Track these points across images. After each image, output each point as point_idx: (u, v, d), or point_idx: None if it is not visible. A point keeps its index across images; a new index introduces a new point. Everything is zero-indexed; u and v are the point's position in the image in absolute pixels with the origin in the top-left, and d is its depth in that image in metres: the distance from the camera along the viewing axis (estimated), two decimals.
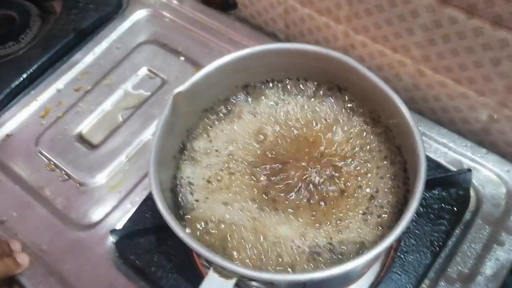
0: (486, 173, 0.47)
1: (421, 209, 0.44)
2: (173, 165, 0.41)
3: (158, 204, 0.34)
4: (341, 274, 0.32)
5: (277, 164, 0.40)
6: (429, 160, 0.47)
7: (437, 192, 0.45)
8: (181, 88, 0.40)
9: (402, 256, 0.42)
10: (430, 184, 0.44)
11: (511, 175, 0.46)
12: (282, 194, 0.38)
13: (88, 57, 0.60)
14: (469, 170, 0.44)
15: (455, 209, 0.44)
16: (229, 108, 0.44)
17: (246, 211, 0.38)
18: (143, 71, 0.59)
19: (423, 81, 0.49)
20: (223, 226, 0.37)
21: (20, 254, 0.46)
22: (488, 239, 0.44)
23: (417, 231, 0.43)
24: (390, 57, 0.49)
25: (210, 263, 0.33)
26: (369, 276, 0.43)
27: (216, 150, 0.42)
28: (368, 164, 0.39)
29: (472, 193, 0.46)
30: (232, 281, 0.32)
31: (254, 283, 0.33)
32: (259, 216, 0.37)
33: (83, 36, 0.61)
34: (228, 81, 0.43)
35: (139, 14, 0.63)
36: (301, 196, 0.38)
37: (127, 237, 0.45)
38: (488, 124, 0.48)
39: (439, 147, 0.49)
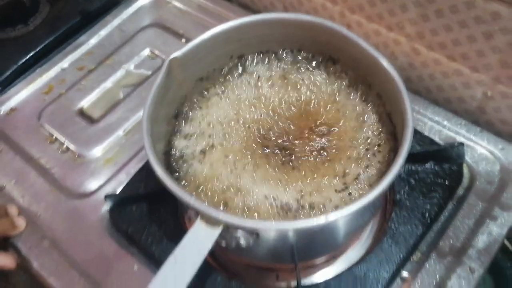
0: (480, 150, 0.47)
1: (413, 182, 0.44)
2: (167, 130, 0.42)
3: (149, 155, 0.34)
4: (329, 224, 0.32)
5: (272, 131, 0.41)
6: (423, 136, 0.47)
7: (430, 167, 0.45)
8: (176, 54, 0.41)
9: (393, 227, 0.42)
10: (423, 158, 0.45)
11: (505, 152, 0.46)
12: (278, 153, 0.39)
13: (93, 39, 0.62)
14: (462, 144, 0.44)
15: (448, 183, 0.44)
16: (224, 78, 0.45)
17: (241, 171, 0.38)
18: (145, 52, 0.60)
19: (418, 60, 0.50)
20: (216, 188, 0.38)
21: (17, 217, 0.46)
22: (481, 214, 0.43)
23: (408, 204, 0.43)
24: (385, 36, 0.50)
25: (197, 214, 0.33)
26: (360, 248, 0.43)
27: (211, 118, 0.42)
28: (361, 130, 0.39)
29: (466, 170, 0.46)
30: (218, 230, 0.32)
31: (239, 234, 0.33)
32: (254, 174, 0.38)
33: (89, 19, 0.63)
34: (222, 50, 0.44)
35: (142, 1, 0.65)
36: (296, 156, 0.38)
37: (120, 205, 0.46)
38: (483, 102, 0.48)
39: (434, 125, 0.49)
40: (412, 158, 0.45)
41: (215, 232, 0.32)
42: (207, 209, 0.32)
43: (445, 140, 0.47)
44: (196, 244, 0.32)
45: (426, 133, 0.48)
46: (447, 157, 0.44)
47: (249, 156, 0.39)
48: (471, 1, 0.41)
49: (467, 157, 0.46)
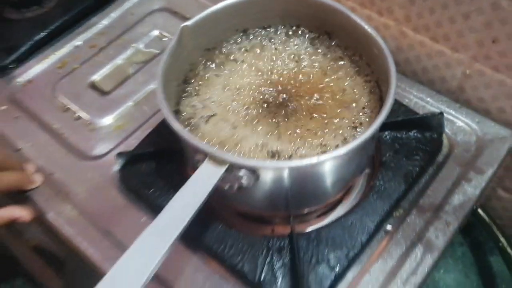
0: (459, 123, 0.52)
1: (398, 147, 0.49)
2: (177, 92, 0.46)
3: (159, 98, 0.39)
4: (320, 168, 0.36)
5: (272, 95, 0.45)
6: (408, 109, 0.52)
7: (413, 134, 0.49)
8: (188, 22, 0.46)
9: (378, 184, 0.46)
10: (407, 125, 0.49)
11: (481, 125, 0.51)
12: (275, 111, 0.43)
13: (104, 20, 0.66)
14: (441, 113, 0.49)
15: (429, 149, 0.49)
16: (229, 49, 0.49)
17: (242, 127, 0.43)
18: (155, 33, 0.65)
19: (405, 42, 0.55)
20: (218, 140, 0.42)
21: (33, 173, 0.50)
22: (457, 177, 0.48)
23: (393, 165, 0.47)
24: (377, 20, 0.55)
25: (204, 157, 0.37)
26: (349, 205, 0.48)
27: (216, 84, 0.47)
28: (353, 93, 0.44)
29: (445, 140, 0.51)
30: (223, 168, 0.36)
31: (241, 174, 0.37)
32: (253, 128, 0.42)
33: (102, 3, 0.67)
34: (229, 23, 0.48)
35: None
36: (292, 113, 0.43)
37: (130, 163, 0.50)
38: (462, 81, 0.53)
39: (418, 101, 0.54)
40: (397, 125, 0.49)
41: (221, 170, 0.36)
42: (214, 150, 0.37)
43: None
44: (203, 180, 0.36)
45: (411, 107, 0.53)
46: (429, 125, 0.49)
47: (250, 114, 0.44)
48: None
49: (447, 129, 0.51)
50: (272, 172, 0.37)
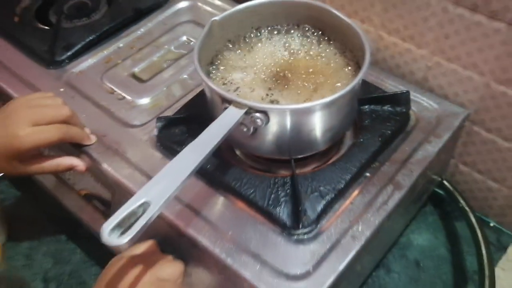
0: (424, 104, 0.66)
1: (375, 116, 0.63)
2: (206, 70, 0.61)
3: (195, 56, 0.53)
4: (317, 108, 0.50)
5: (278, 72, 0.60)
6: (383, 91, 0.66)
7: (386, 108, 0.63)
8: (216, 17, 0.61)
9: (360, 141, 0.60)
10: (381, 101, 0.64)
11: (440, 105, 0.65)
12: (282, 80, 0.58)
13: (142, 29, 0.82)
14: (408, 91, 0.63)
15: (399, 119, 0.63)
16: (245, 41, 0.64)
17: (255, 91, 0.57)
18: (183, 38, 0.80)
19: (382, 44, 0.70)
20: None
21: (90, 134, 0.64)
22: (421, 140, 0.62)
23: (370, 128, 0.61)
24: (360, 27, 0.70)
25: (229, 103, 0.51)
26: (337, 156, 0.61)
27: (235, 66, 0.61)
28: (340, 69, 0.59)
29: (413, 116, 0.65)
30: (243, 110, 0.50)
31: (256, 116, 0.51)
32: (264, 91, 0.57)
33: (140, 15, 0.83)
34: (246, 21, 0.63)
35: (182, 4, 0.86)
36: (294, 83, 0.58)
37: (166, 128, 0.64)
38: (426, 72, 0.68)
39: (392, 88, 0.68)
40: (374, 100, 0.64)
41: (242, 112, 0.50)
42: (237, 98, 0.51)
43: None
44: (229, 117, 0.50)
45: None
46: (398, 101, 0.63)
47: (263, 83, 0.58)
48: None
49: (415, 108, 0.65)
50: (278, 114, 0.51)
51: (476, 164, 0.71)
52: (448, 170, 0.75)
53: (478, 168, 0.71)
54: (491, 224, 0.74)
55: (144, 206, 0.42)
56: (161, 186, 0.43)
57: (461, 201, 0.69)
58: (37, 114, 0.58)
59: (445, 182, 0.72)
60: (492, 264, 0.61)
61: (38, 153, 0.61)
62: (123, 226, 0.41)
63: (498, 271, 0.68)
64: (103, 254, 0.55)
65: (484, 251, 0.62)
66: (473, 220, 0.66)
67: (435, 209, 0.76)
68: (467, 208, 0.68)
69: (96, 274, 0.70)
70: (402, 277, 0.69)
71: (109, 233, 0.40)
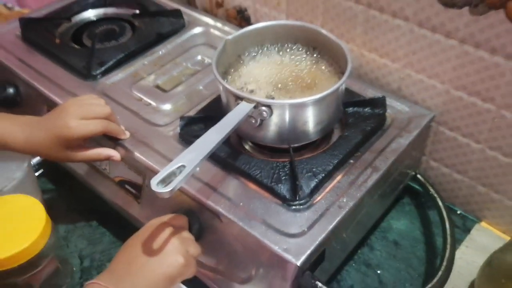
0: (398, 108, 0.81)
1: (357, 116, 0.77)
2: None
3: (213, 67, 0.68)
4: (310, 103, 0.65)
5: (279, 81, 0.75)
6: (363, 97, 0.81)
7: (367, 110, 0.78)
8: (229, 37, 0.76)
9: (346, 135, 0.74)
10: (363, 104, 0.78)
11: (412, 108, 0.80)
12: (283, 86, 0.73)
13: (163, 50, 0.97)
14: (384, 97, 0.78)
15: (376, 119, 0.77)
16: (252, 55, 0.79)
17: (263, 93, 0.72)
18: (198, 57, 0.95)
19: (364, 60, 0.85)
20: None
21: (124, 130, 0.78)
22: (395, 135, 0.76)
23: (353, 125, 0.75)
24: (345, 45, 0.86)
25: (241, 99, 0.66)
26: (327, 148, 0.75)
27: (243, 75, 0.76)
28: (329, 79, 0.74)
29: (389, 117, 0.79)
30: (253, 105, 0.65)
31: (262, 109, 0.65)
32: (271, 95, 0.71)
33: (161, 39, 0.98)
34: (253, 40, 0.79)
35: (197, 30, 1.01)
36: (292, 89, 0.72)
37: (188, 124, 0.78)
38: (400, 83, 0.83)
39: (371, 95, 0.83)
40: (357, 103, 0.78)
41: (251, 106, 0.65)
42: (247, 95, 0.65)
43: None
44: (241, 110, 0.64)
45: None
46: (376, 104, 0.78)
47: (265, 89, 0.73)
48: (385, 19, 0.78)
49: (390, 111, 0.80)
50: (279, 107, 0.65)
51: (443, 159, 0.85)
52: (421, 166, 0.89)
53: (445, 162, 0.85)
54: (458, 212, 0.88)
55: (180, 168, 0.56)
56: (192, 154, 0.57)
57: (431, 190, 0.83)
58: (84, 110, 0.72)
59: (418, 176, 0.86)
60: (454, 238, 0.74)
61: (83, 143, 0.74)
62: (165, 182, 0.54)
63: (462, 248, 0.81)
64: (128, 236, 0.67)
65: (448, 228, 0.76)
66: (441, 204, 0.80)
67: (412, 200, 0.90)
68: (436, 195, 0.82)
69: None
70: (383, 253, 0.82)
71: (156, 185, 0.53)
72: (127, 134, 0.78)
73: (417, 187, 0.88)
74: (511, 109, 0.71)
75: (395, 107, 0.81)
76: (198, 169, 0.59)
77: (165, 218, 0.66)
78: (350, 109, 0.78)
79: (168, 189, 0.53)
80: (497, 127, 0.74)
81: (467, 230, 0.84)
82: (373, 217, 0.81)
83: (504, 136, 0.74)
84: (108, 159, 0.76)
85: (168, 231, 0.63)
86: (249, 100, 0.65)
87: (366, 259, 0.81)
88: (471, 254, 0.80)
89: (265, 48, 0.80)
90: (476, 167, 0.80)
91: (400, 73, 0.82)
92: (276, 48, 0.80)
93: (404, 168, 0.80)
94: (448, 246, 0.72)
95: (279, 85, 0.74)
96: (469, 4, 0.67)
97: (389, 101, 0.81)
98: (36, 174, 0.87)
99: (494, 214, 0.82)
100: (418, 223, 0.86)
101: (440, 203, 0.81)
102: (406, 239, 0.84)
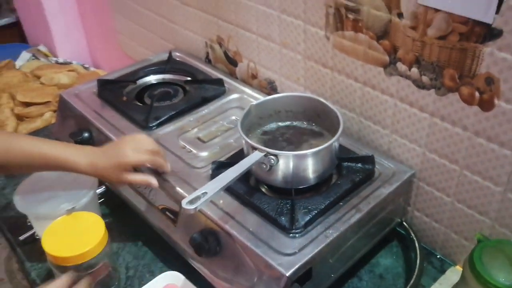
0: (385, 165, 1.00)
1: (350, 169, 0.97)
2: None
3: (238, 124, 0.91)
4: (309, 154, 0.86)
5: (289, 139, 0.97)
6: (356, 154, 1.01)
7: (358, 165, 0.98)
8: (254, 103, 1.00)
9: (338, 183, 0.94)
10: (355, 160, 0.98)
11: (396, 166, 1.00)
12: (291, 145, 0.95)
13: (206, 110, 1.22)
14: (373, 155, 0.98)
15: (366, 173, 0.97)
16: (270, 117, 1.02)
17: (276, 145, 0.94)
18: (232, 117, 1.19)
19: (361, 126, 1.06)
20: None
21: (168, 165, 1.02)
22: (379, 186, 0.95)
23: (346, 176, 0.96)
24: (342, 113, 1.08)
25: (255, 149, 0.88)
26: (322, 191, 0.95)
27: (263, 131, 0.99)
28: (326, 139, 0.95)
29: (377, 171, 0.99)
30: (263, 153, 0.87)
31: (270, 157, 0.87)
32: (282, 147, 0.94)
33: (205, 101, 1.24)
34: (271, 107, 1.02)
35: (234, 96, 1.26)
36: (300, 145, 0.94)
37: (217, 168, 1.00)
38: (388, 145, 1.03)
39: (364, 153, 1.03)
40: (350, 159, 0.99)
41: (262, 154, 0.87)
42: (260, 146, 0.88)
43: None
44: (253, 157, 0.87)
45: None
46: (366, 161, 0.98)
47: (276, 142, 0.95)
48: (376, 94, 0.99)
49: (379, 167, 1.00)
50: (284, 157, 0.87)
51: (424, 209, 1.03)
52: (407, 215, 1.07)
53: (425, 212, 1.03)
54: (438, 256, 1.04)
55: (204, 194, 0.78)
56: (213, 185, 0.80)
57: (412, 234, 1.01)
58: (138, 144, 0.97)
59: (404, 223, 1.04)
60: (422, 270, 0.92)
61: (135, 169, 0.98)
62: (192, 203, 0.77)
63: (436, 285, 0.97)
64: (166, 255, 0.88)
65: (418, 261, 0.93)
66: (417, 245, 0.97)
67: (399, 243, 1.07)
68: (414, 238, 0.99)
69: (161, 268, 1.04)
70: (369, 284, 0.99)
71: (185, 204, 0.76)
72: (169, 167, 1.01)
73: (403, 232, 1.06)
74: (471, 169, 0.89)
75: (383, 164, 1.01)
76: (220, 200, 0.82)
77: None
78: (345, 164, 0.99)
79: (193, 206, 0.75)
80: (462, 183, 0.92)
81: (443, 271, 1.00)
82: (358, 251, 0.98)
83: (467, 191, 0.91)
84: (150, 185, 0.99)
85: None
86: (260, 150, 0.88)
87: (354, 287, 0.98)
88: None
89: (280, 112, 1.03)
90: (448, 217, 0.98)
91: (389, 137, 1.02)
92: (289, 113, 1.03)
93: (388, 213, 0.99)
94: (414, 276, 0.89)
95: (288, 141, 0.96)
96: (434, 87, 0.88)
97: (379, 159, 1.01)
98: (99, 201, 1.12)
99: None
100: (402, 261, 1.03)
101: (417, 244, 0.98)
102: (390, 274, 1.00)
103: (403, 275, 1.00)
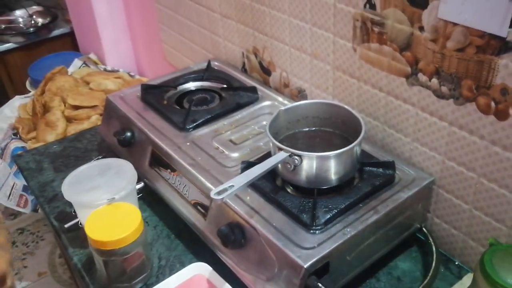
0: (405, 171, 1.05)
1: (371, 174, 1.02)
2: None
3: (267, 127, 0.99)
4: (332, 156, 0.92)
5: (315, 141, 1.03)
6: (378, 160, 1.07)
7: (380, 170, 1.03)
8: (282, 108, 1.07)
9: (359, 186, 1.00)
10: (376, 165, 1.04)
11: (416, 173, 1.04)
12: (316, 147, 1.01)
13: (239, 115, 1.30)
14: (393, 161, 1.03)
15: (386, 177, 1.02)
16: (298, 122, 1.09)
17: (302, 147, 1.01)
18: (263, 123, 1.26)
19: (385, 134, 1.11)
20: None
21: None
22: (399, 190, 1.00)
23: (367, 180, 1.01)
24: (368, 122, 1.13)
25: (281, 150, 0.95)
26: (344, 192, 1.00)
27: (290, 135, 1.06)
28: (347, 143, 1.01)
29: (397, 177, 1.04)
30: (288, 154, 0.93)
31: (294, 157, 0.93)
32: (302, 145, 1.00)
33: (239, 107, 1.32)
34: (298, 112, 1.09)
35: (266, 103, 1.34)
36: (324, 148, 1.01)
37: (246, 168, 1.07)
38: (410, 152, 1.07)
39: (385, 160, 1.08)
40: (372, 164, 1.04)
41: (287, 154, 0.94)
42: (285, 147, 0.94)
43: None
44: (279, 157, 0.94)
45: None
46: (387, 166, 1.03)
47: (303, 144, 1.02)
48: (399, 104, 1.05)
49: (399, 173, 1.04)
50: (308, 157, 0.94)
51: (443, 216, 1.06)
52: (427, 221, 1.10)
53: (444, 219, 1.06)
54: (456, 263, 1.07)
55: (231, 186, 0.85)
56: (240, 179, 0.87)
57: (430, 239, 1.04)
58: None
59: (423, 229, 1.08)
60: (436, 271, 0.95)
61: None
62: (220, 194, 0.84)
63: None
64: (196, 248, 0.94)
65: (434, 263, 0.97)
66: (434, 250, 1.01)
67: (418, 249, 1.11)
68: (432, 243, 1.03)
69: (191, 259, 1.12)
70: (387, 285, 1.03)
71: (213, 194, 0.83)
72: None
73: (422, 238, 1.09)
74: (487, 177, 0.93)
75: (404, 170, 1.06)
76: (247, 196, 0.89)
77: None
78: (367, 168, 1.04)
79: (220, 197, 0.83)
80: (479, 191, 0.95)
81: (461, 277, 1.03)
82: (376, 252, 1.03)
83: (484, 198, 0.95)
84: None
85: None
86: (285, 150, 0.94)
87: (372, 287, 1.03)
88: None
89: (307, 117, 1.10)
90: (467, 224, 1.01)
91: (410, 145, 1.07)
92: (315, 119, 1.10)
93: (406, 218, 1.03)
94: (429, 276, 0.93)
95: (313, 143, 1.03)
96: (453, 97, 0.93)
97: (401, 166, 1.06)
98: (138, 196, 1.22)
99: None
100: (420, 266, 1.07)
101: (434, 247, 1.02)
102: (407, 277, 1.04)
103: (420, 279, 1.04)
